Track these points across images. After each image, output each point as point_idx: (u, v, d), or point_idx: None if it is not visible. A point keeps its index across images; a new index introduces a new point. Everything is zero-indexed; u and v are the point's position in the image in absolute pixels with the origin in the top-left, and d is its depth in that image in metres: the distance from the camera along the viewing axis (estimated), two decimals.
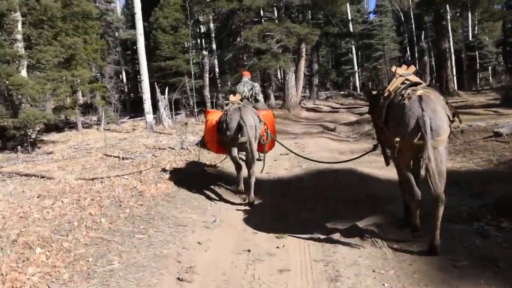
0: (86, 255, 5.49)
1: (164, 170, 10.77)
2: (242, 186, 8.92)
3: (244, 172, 8.75)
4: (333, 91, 59.50)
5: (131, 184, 9.37)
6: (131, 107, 43.93)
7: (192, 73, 29.21)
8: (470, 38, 48.64)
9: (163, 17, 34.26)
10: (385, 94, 5.99)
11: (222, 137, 8.74)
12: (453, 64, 41.60)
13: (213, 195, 8.97)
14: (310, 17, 38.04)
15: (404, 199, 6.29)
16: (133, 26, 29.58)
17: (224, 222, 7.26)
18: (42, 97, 20.66)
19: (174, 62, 33.49)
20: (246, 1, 28.66)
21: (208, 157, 12.57)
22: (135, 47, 32.59)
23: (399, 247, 5.51)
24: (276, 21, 31.86)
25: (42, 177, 11.53)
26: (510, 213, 6.19)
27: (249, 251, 5.81)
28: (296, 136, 18.37)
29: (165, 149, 14.85)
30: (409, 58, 55.77)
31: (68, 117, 30.64)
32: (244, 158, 8.83)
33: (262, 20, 32.63)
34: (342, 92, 56.09)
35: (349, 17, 51.53)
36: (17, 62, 20.01)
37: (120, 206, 7.74)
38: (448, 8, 38.36)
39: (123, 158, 13.68)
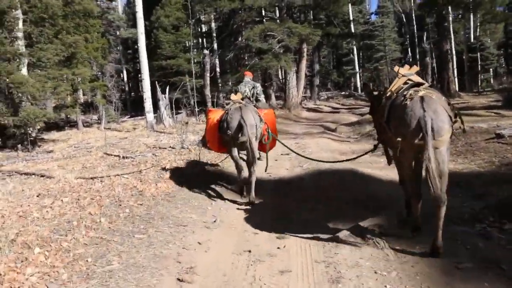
0: (85, 255, 5.43)
1: (164, 169, 10.76)
2: (243, 185, 8.89)
3: (245, 171, 8.72)
4: (334, 91, 59.63)
5: (131, 184, 9.35)
6: (132, 106, 43.94)
7: (193, 72, 29.16)
8: (472, 40, 48.72)
9: (164, 16, 34.31)
10: (387, 94, 5.98)
11: (223, 136, 8.71)
12: (455, 66, 41.59)
13: (213, 195, 8.93)
14: (311, 17, 38.10)
15: (406, 197, 6.35)
16: (134, 25, 29.63)
17: (224, 222, 7.21)
18: (43, 96, 20.67)
19: (175, 61, 33.56)
20: (248, 1, 28.68)
21: (209, 156, 12.55)
22: (136, 46, 32.58)
23: (401, 248, 5.47)
24: (278, 21, 31.89)
25: (42, 176, 11.52)
26: None
27: (249, 251, 5.76)
28: (297, 136, 18.34)
29: (165, 148, 14.85)
30: (410, 59, 55.70)
31: (68, 116, 30.72)
32: (245, 157, 8.80)
33: (264, 20, 32.61)
34: (343, 93, 56.20)
35: (351, 18, 51.66)
36: (17, 60, 20.00)
37: (120, 205, 7.70)
38: (450, 10, 38.29)
39: (123, 157, 13.68)
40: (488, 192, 7.48)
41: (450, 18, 40.16)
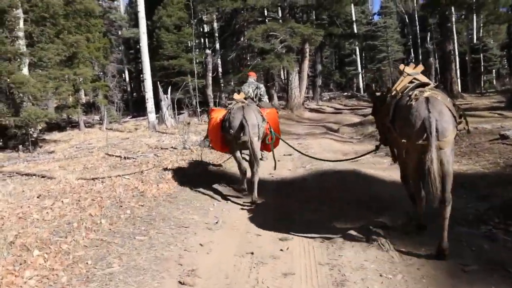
0: (85, 258, 5.37)
1: (166, 170, 10.73)
2: (245, 186, 8.90)
3: (248, 171, 8.69)
4: (336, 92, 59.83)
5: (132, 184, 9.30)
6: (134, 106, 44.03)
7: (195, 72, 29.21)
8: (475, 41, 48.66)
9: (166, 16, 34.34)
10: (393, 93, 5.94)
11: (225, 135, 8.69)
12: (457, 67, 41.60)
13: (215, 196, 8.86)
14: (314, 17, 38.10)
15: (409, 193, 6.34)
16: (136, 25, 29.75)
17: (226, 223, 7.14)
18: (44, 96, 20.65)
19: (177, 61, 33.56)
20: (250, 1, 28.67)
21: (211, 157, 12.53)
22: (138, 46, 32.42)
23: (406, 250, 5.40)
24: (280, 21, 31.84)
25: (43, 176, 11.49)
26: None
27: (252, 253, 5.70)
28: (299, 137, 18.30)
29: (167, 148, 14.84)
30: (413, 60, 55.71)
31: (70, 116, 30.75)
32: (248, 157, 8.76)
33: (266, 20, 32.59)
34: (345, 93, 56.34)
35: (354, 18, 51.64)
36: (18, 60, 19.95)
37: (121, 206, 7.65)
38: (453, 10, 38.29)
39: (125, 158, 13.66)
40: (492, 193, 7.42)
41: (453, 19, 40.13)
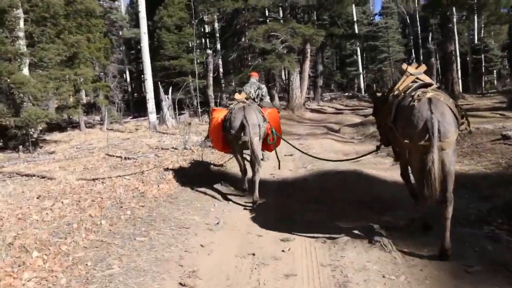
0: (85, 259, 5.33)
1: (166, 170, 10.70)
2: (247, 186, 8.91)
3: (249, 171, 8.70)
4: (337, 92, 59.94)
5: (132, 185, 9.27)
6: (135, 106, 44.07)
7: (196, 72, 29.20)
8: (476, 41, 48.74)
9: (167, 16, 34.31)
10: (395, 93, 5.94)
11: (226, 135, 8.69)
12: (459, 67, 41.66)
13: (216, 196, 8.84)
14: (315, 17, 38.04)
15: (409, 190, 6.54)
16: (137, 25, 29.72)
17: (227, 224, 7.10)
18: (45, 96, 20.60)
19: (178, 61, 33.53)
20: (251, 1, 28.67)
21: (212, 157, 12.53)
22: (139, 46, 32.53)
23: (408, 251, 5.38)
24: (281, 21, 31.83)
25: (43, 177, 11.45)
26: None
27: (253, 254, 5.67)
28: (300, 137, 18.26)
29: (168, 149, 14.83)
30: (414, 61, 55.72)
31: (71, 117, 30.70)
32: (249, 157, 8.75)
33: (267, 20, 32.59)
34: (346, 94, 56.39)
35: (355, 19, 51.68)
36: (19, 60, 19.89)
37: (121, 207, 7.61)
38: (454, 11, 38.30)
39: (125, 158, 13.64)
40: (495, 194, 7.41)
41: (455, 19, 40.14)
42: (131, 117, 37.77)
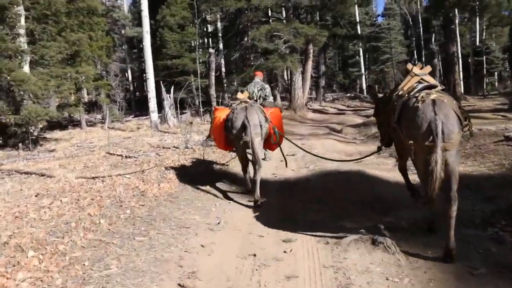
0: (82, 259, 5.26)
1: (167, 169, 10.67)
2: (250, 185, 8.84)
3: (252, 171, 8.64)
4: (339, 93, 60.19)
5: (133, 184, 9.22)
6: (136, 105, 44.08)
7: (198, 72, 29.18)
8: (478, 43, 48.91)
9: (170, 15, 34.26)
10: (399, 93, 5.92)
11: (228, 135, 8.66)
12: (460, 69, 41.72)
13: (217, 196, 8.80)
14: (318, 18, 38.11)
15: (407, 184, 6.79)
16: (139, 24, 29.60)
17: (228, 224, 7.04)
18: (46, 94, 20.50)
19: (181, 60, 33.49)
20: (254, 1, 28.74)
21: (213, 156, 12.52)
22: (141, 45, 32.47)
23: (412, 252, 5.33)
24: (284, 21, 31.93)
25: (42, 175, 11.38)
26: None
27: (254, 255, 5.59)
28: (303, 137, 18.21)
29: (169, 148, 14.81)
30: (416, 62, 55.79)
31: (72, 115, 30.72)
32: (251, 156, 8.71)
33: (270, 20, 32.75)
34: (348, 94, 56.62)
35: (357, 19, 51.90)
36: (19, 57, 19.77)
37: (121, 206, 7.55)
38: (456, 13, 38.33)
39: (126, 157, 13.62)
40: (498, 195, 7.39)
41: (457, 21, 40.18)
42: (133, 116, 37.81)
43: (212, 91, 25.27)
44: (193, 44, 35.63)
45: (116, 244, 5.78)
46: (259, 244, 6.05)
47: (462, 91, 39.56)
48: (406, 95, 5.70)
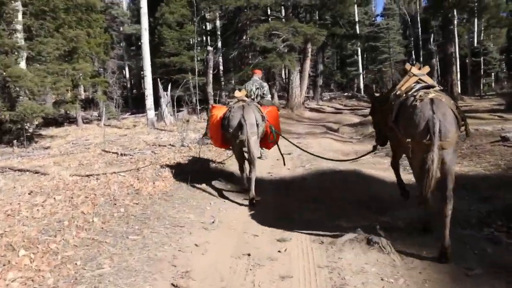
0: (75, 258, 5.20)
1: (163, 167, 10.64)
2: (246, 184, 8.80)
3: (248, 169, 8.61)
4: (337, 92, 60.49)
5: (127, 182, 9.15)
6: (133, 103, 44.05)
7: (196, 70, 29.15)
8: (475, 44, 49.03)
9: (169, 13, 34.20)
10: (397, 93, 5.91)
11: (225, 133, 8.64)
12: (458, 69, 41.83)
13: (212, 194, 8.77)
14: (317, 17, 38.20)
15: (398, 179, 6.98)
16: (138, 21, 29.67)
17: (223, 223, 6.99)
18: (42, 90, 20.37)
19: (179, 58, 33.41)
20: None
21: (209, 155, 12.50)
22: (139, 43, 32.51)
23: (407, 252, 5.32)
24: (283, 20, 31.99)
25: (36, 172, 11.31)
26: None
27: (249, 255, 5.56)
28: (299, 136, 18.21)
29: (165, 146, 14.80)
30: (414, 62, 55.81)
31: (68, 112, 30.64)
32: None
33: (269, 19, 32.76)
34: (346, 94, 56.88)
35: (356, 19, 52.10)
36: (16, 53, 19.68)
37: (115, 204, 7.49)
38: (455, 13, 38.38)
39: (121, 155, 13.60)
40: (494, 195, 7.41)
41: (455, 22, 40.24)
42: (130, 113, 37.76)
43: (210, 89, 25.13)
44: (191, 42, 35.62)
45: (109, 243, 5.72)
46: (253, 243, 6.01)
47: (460, 91, 39.64)
48: (404, 94, 5.70)
